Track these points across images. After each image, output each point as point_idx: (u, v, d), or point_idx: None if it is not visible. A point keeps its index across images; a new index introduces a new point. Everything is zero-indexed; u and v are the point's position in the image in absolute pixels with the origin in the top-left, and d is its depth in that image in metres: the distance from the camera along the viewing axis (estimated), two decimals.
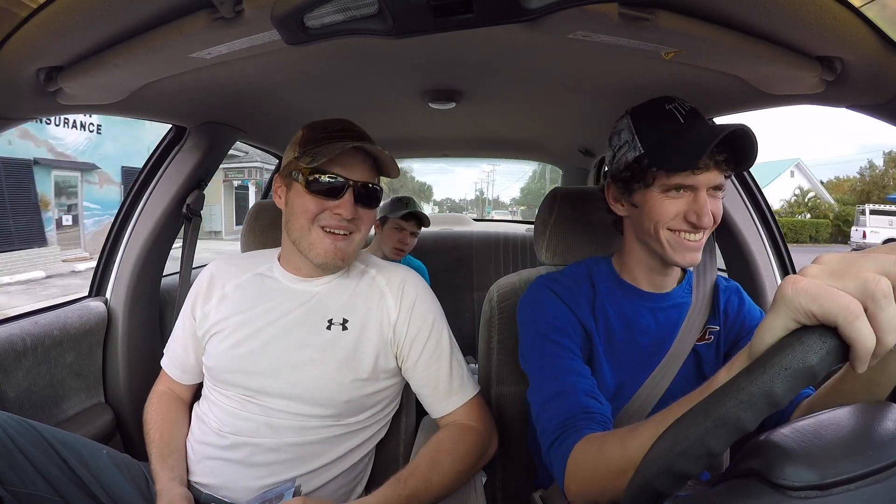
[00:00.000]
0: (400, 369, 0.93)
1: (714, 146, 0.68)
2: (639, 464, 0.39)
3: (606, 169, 0.86)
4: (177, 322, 1.01)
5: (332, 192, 0.85)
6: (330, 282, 0.93)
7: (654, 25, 0.64)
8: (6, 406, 1.02)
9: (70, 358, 1.18)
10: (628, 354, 0.83)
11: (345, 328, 0.88)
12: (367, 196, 0.88)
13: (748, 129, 0.68)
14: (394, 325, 0.90)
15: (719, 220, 0.75)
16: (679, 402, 0.51)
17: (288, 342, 0.87)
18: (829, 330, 0.35)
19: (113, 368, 1.29)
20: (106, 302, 1.31)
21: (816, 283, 0.36)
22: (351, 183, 0.85)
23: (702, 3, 0.63)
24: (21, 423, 0.78)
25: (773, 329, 0.38)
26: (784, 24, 0.63)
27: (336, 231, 0.86)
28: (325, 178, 0.84)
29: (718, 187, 0.75)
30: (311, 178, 0.84)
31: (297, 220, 0.87)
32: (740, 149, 0.72)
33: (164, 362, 1.02)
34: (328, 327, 0.88)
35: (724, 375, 0.46)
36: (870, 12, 0.57)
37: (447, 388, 0.90)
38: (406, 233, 1.96)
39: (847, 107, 0.81)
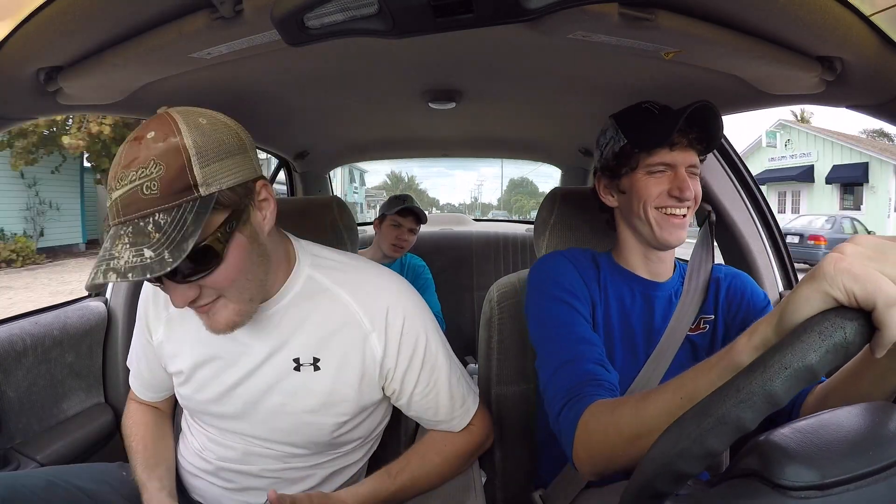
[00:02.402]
0: (387, 396, 0.83)
1: (684, 122, 0.75)
2: (638, 464, 0.39)
3: (596, 168, 0.91)
4: (134, 339, 0.90)
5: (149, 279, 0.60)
6: (280, 303, 0.75)
7: (654, 25, 0.64)
8: (6, 406, 1.02)
9: (70, 358, 1.18)
10: (622, 341, 0.85)
11: (317, 368, 0.75)
12: (186, 269, 0.60)
13: (711, 104, 0.76)
14: (380, 362, 0.77)
15: (700, 199, 0.83)
16: (695, 368, 0.51)
17: (254, 387, 0.76)
18: (839, 322, 0.36)
19: (113, 368, 1.29)
20: (106, 302, 1.31)
21: (860, 265, 0.37)
22: (150, 277, 0.56)
23: (702, 3, 0.63)
24: (47, 480, 0.74)
25: (811, 302, 0.39)
26: (784, 24, 0.63)
27: (199, 306, 0.66)
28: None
29: (694, 167, 0.82)
30: None
31: None
32: (708, 126, 0.80)
33: (133, 384, 0.92)
34: (296, 368, 0.75)
35: (744, 341, 0.46)
36: (870, 12, 0.57)
37: (448, 413, 0.83)
38: (404, 229, 1.95)
39: (847, 107, 0.81)
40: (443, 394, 0.81)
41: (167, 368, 0.83)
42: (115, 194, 0.58)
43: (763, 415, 0.35)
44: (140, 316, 0.85)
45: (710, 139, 0.81)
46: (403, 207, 1.93)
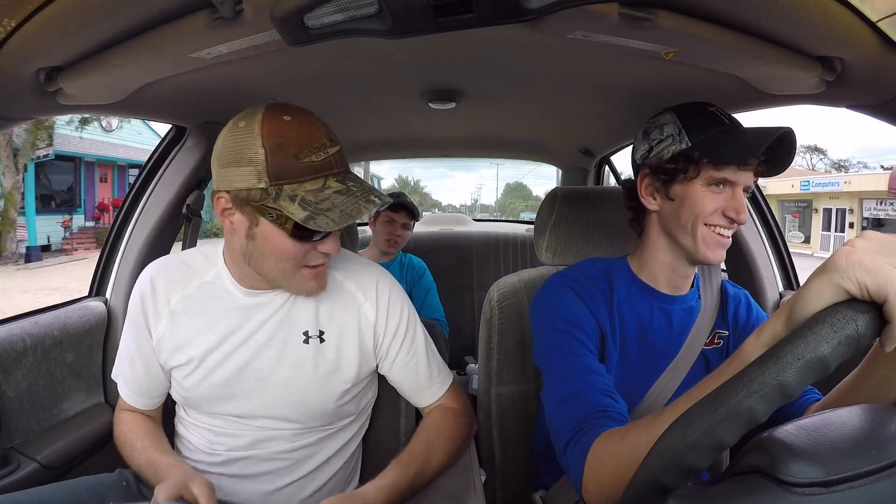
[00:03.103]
0: (377, 367, 0.92)
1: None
2: (644, 457, 0.39)
3: (637, 162, 0.85)
4: (126, 344, 0.88)
5: (323, 235, 0.76)
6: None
7: (654, 25, 0.64)
8: (6, 406, 1.02)
9: (70, 358, 1.18)
10: (640, 357, 0.83)
11: (322, 340, 0.84)
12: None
13: (794, 133, 0.71)
14: (374, 326, 0.87)
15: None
16: (705, 379, 0.51)
17: (265, 361, 0.82)
18: (851, 314, 0.36)
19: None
20: (106, 302, 1.31)
21: (871, 258, 0.38)
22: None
23: (702, 3, 0.63)
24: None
25: (822, 294, 0.39)
26: (784, 24, 0.63)
27: (319, 266, 0.79)
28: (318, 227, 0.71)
29: (747, 189, 0.77)
30: (300, 228, 0.71)
31: (275, 263, 0.76)
32: (781, 152, 0.75)
33: (124, 392, 0.91)
34: (305, 341, 0.84)
35: (752, 342, 0.46)
36: (870, 12, 0.57)
37: (427, 380, 0.92)
38: (397, 224, 1.95)
39: (847, 107, 0.81)
40: (421, 362, 0.91)
41: (167, 364, 0.85)
42: (333, 150, 0.74)
43: (775, 406, 0.35)
44: (135, 318, 0.85)
45: (774, 165, 0.77)
46: (395, 202, 1.93)
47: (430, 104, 1.25)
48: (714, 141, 0.75)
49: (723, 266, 1.36)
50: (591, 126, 1.57)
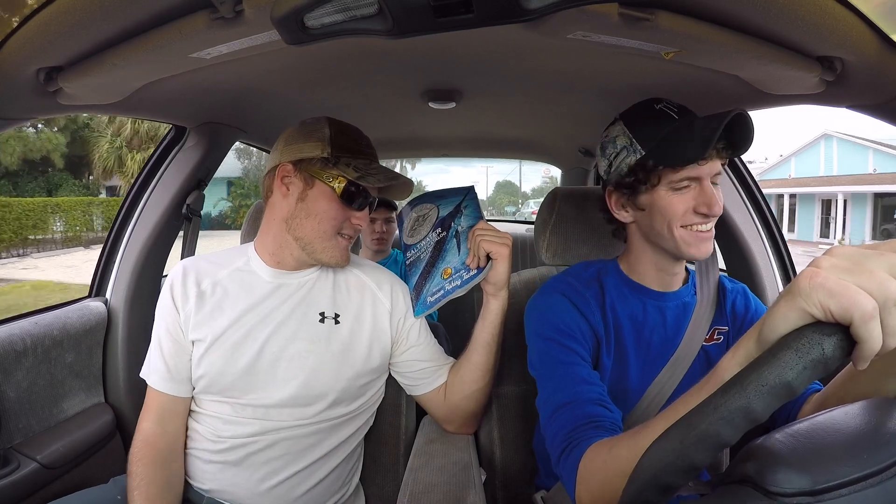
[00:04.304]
0: (392, 357, 0.97)
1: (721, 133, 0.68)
2: (629, 477, 0.39)
3: (603, 178, 0.86)
4: (158, 333, 0.90)
5: (361, 205, 0.90)
6: (313, 273, 0.94)
7: (653, 25, 0.63)
8: (6, 406, 1.02)
9: (70, 358, 1.18)
10: (637, 355, 0.83)
11: (337, 322, 0.91)
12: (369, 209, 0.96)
13: (746, 112, 0.69)
14: (390, 314, 0.95)
15: (722, 209, 0.76)
16: (686, 394, 0.51)
17: (284, 335, 0.88)
18: (817, 338, 0.35)
19: (113, 368, 1.29)
20: (106, 302, 1.31)
21: (835, 280, 0.36)
22: (371, 199, 0.93)
23: (702, 3, 0.63)
24: None
25: (788, 319, 0.38)
26: (784, 24, 0.63)
27: (349, 237, 0.91)
28: (361, 192, 0.88)
29: (718, 175, 0.76)
30: (350, 189, 0.87)
31: (317, 224, 0.88)
32: (738, 133, 0.72)
33: (159, 384, 0.87)
34: (321, 320, 0.90)
35: (728, 359, 0.46)
36: (870, 12, 0.57)
37: (443, 357, 1.00)
38: (379, 221, 1.96)
39: (847, 107, 0.81)
40: (434, 344, 1.01)
41: (191, 336, 0.88)
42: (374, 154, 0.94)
43: (743, 431, 0.35)
44: (164, 303, 0.91)
45: (736, 146, 0.73)
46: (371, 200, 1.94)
47: (430, 104, 1.25)
48: (666, 144, 0.73)
49: (722, 266, 1.36)
50: (591, 126, 1.56)
